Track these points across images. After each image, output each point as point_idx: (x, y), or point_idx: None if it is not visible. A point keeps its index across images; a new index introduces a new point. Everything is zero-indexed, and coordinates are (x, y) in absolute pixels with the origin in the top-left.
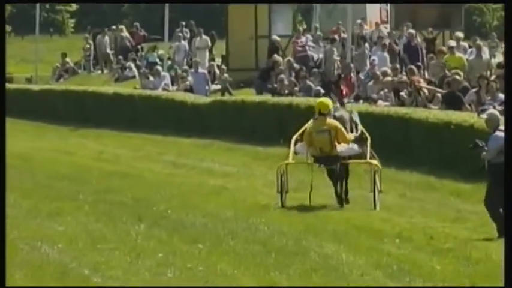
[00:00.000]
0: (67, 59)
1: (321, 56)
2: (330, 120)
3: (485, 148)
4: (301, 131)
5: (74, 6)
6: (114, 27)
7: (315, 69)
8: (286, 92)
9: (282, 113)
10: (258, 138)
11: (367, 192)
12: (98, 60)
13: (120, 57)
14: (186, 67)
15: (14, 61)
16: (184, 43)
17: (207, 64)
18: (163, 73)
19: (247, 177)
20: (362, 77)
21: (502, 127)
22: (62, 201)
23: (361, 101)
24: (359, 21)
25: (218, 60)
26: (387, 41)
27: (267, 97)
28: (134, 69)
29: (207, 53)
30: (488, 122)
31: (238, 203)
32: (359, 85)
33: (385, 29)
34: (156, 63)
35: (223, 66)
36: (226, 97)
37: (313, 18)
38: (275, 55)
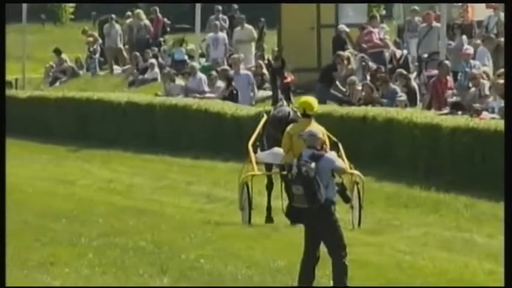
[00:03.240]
0: (64, 56)
1: (405, 52)
2: (314, 124)
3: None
4: (255, 135)
5: None
6: (128, 12)
7: (399, 70)
8: (359, 99)
9: (353, 128)
10: None
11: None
12: (106, 57)
13: (136, 53)
14: (225, 67)
15: None
16: (223, 34)
17: (252, 63)
18: (199, 74)
19: None
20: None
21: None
22: (58, 247)
23: (459, 112)
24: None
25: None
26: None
27: (332, 107)
28: (156, 69)
29: (253, 48)
30: None
31: (294, 249)
32: (456, 90)
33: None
34: (184, 61)
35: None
36: None
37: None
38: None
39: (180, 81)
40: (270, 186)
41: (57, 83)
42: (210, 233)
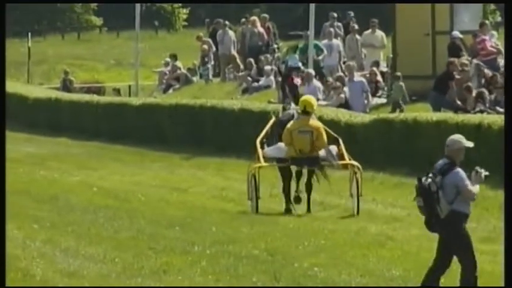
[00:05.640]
0: (178, 63)
1: None
2: (313, 121)
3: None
4: (263, 134)
5: None
6: (243, 19)
7: None
8: (474, 107)
9: (468, 136)
10: None
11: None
12: (220, 64)
13: (251, 60)
14: (340, 74)
15: (104, 66)
16: (337, 41)
17: (366, 69)
18: (315, 81)
19: (421, 223)
20: None
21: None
22: (171, 255)
23: None
24: None
25: (382, 65)
26: None
27: (447, 114)
28: (271, 76)
29: (382, 54)
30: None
31: (409, 258)
32: None
33: None
34: (298, 68)
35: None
36: (393, 115)
37: None
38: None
39: None
40: (296, 176)
41: (171, 90)
42: (323, 241)
